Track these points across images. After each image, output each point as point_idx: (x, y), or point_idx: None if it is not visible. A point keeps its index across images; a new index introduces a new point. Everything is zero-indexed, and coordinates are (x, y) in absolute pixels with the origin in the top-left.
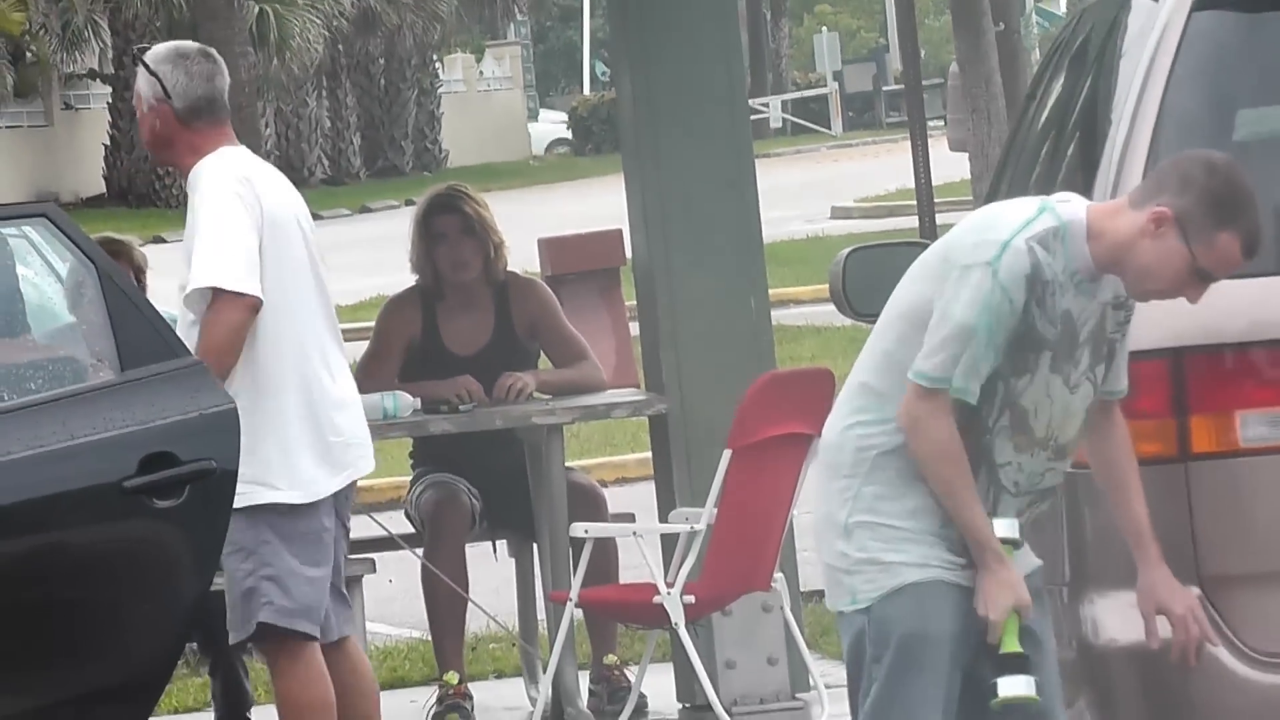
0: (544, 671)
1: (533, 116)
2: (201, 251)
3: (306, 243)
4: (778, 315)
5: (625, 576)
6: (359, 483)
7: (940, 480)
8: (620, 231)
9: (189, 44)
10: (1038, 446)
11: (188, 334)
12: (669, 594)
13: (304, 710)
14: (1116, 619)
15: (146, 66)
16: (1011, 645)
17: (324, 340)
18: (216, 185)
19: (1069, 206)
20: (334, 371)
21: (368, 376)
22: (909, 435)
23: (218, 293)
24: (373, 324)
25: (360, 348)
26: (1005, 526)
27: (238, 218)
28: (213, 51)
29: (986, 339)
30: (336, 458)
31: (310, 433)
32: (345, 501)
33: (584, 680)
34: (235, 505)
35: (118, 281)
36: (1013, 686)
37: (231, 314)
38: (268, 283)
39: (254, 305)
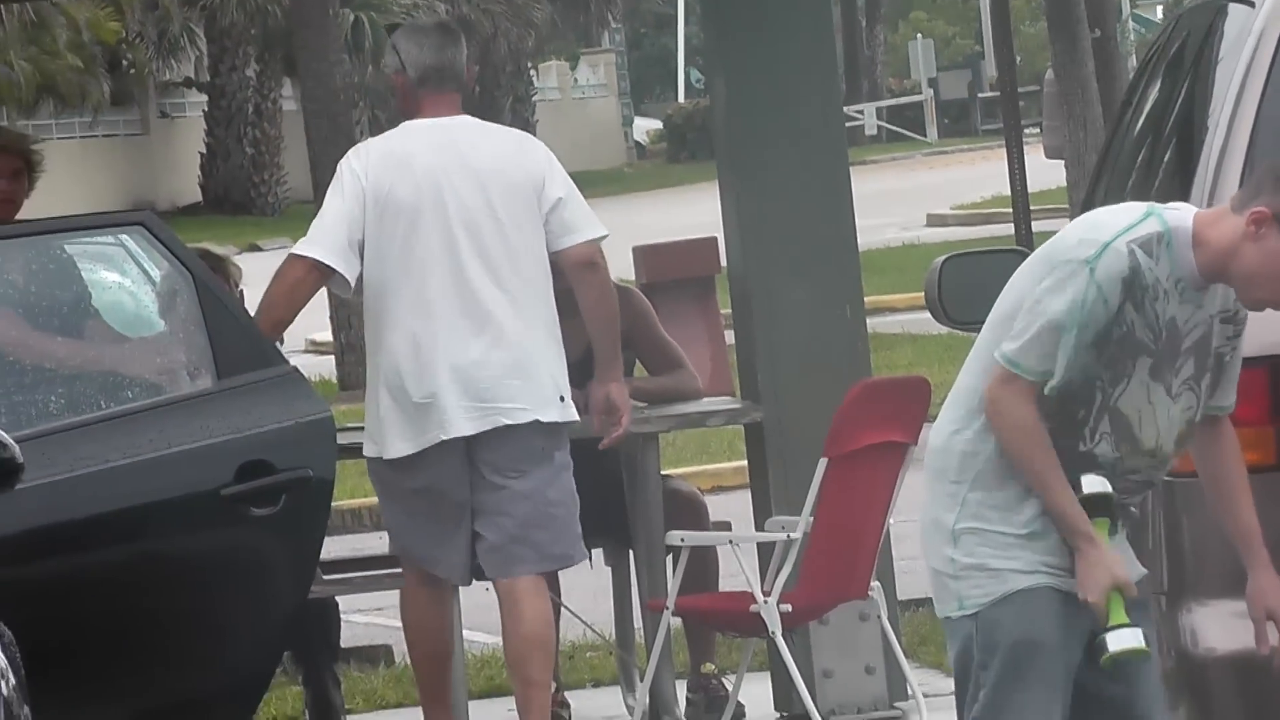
0: (641, 680)
1: (627, 124)
2: None
3: (447, 215)
4: (873, 323)
5: (723, 585)
6: None
7: (1024, 461)
8: (715, 239)
9: (427, 20)
10: (1142, 456)
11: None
12: (766, 602)
13: (404, 627)
14: (1216, 627)
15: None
16: (1119, 617)
17: (438, 309)
18: (345, 157)
19: (1176, 213)
20: (448, 338)
21: None
22: (990, 417)
23: (290, 254)
24: None
25: None
26: (1094, 482)
27: (333, 191)
28: (451, 24)
29: (1076, 335)
30: (418, 421)
31: (390, 397)
32: (489, 453)
33: (681, 689)
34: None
35: (214, 290)
36: (1122, 640)
37: (288, 270)
38: (366, 256)
39: (312, 267)
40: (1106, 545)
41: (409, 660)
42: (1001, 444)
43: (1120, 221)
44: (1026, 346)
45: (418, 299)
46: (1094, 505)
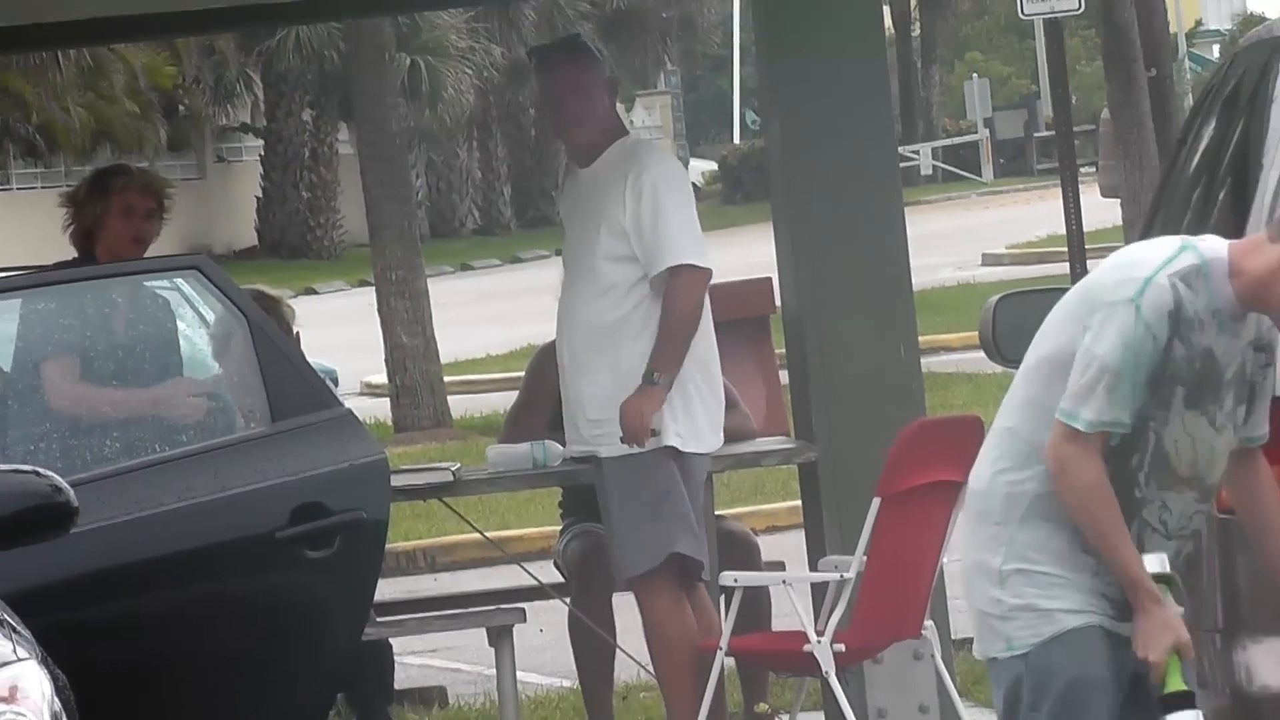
0: None
1: (683, 166)
2: (677, 229)
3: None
4: (928, 362)
5: (776, 624)
6: (513, 531)
7: (1090, 523)
8: (770, 279)
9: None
10: (1184, 485)
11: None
12: (819, 642)
13: (671, 641)
14: (1271, 664)
15: (595, 48)
16: (1176, 684)
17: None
18: (679, 168)
19: (1209, 245)
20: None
21: (518, 426)
22: (1056, 478)
23: (688, 268)
24: (523, 374)
25: (514, 398)
26: (1157, 561)
27: (687, 197)
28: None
29: (1131, 375)
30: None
31: (709, 389)
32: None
33: None
34: None
35: (269, 333)
36: None
37: (699, 286)
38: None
39: (709, 277)
40: (1168, 604)
41: (669, 680)
42: (1066, 503)
43: (1156, 256)
44: (1086, 399)
45: None
46: (1155, 579)
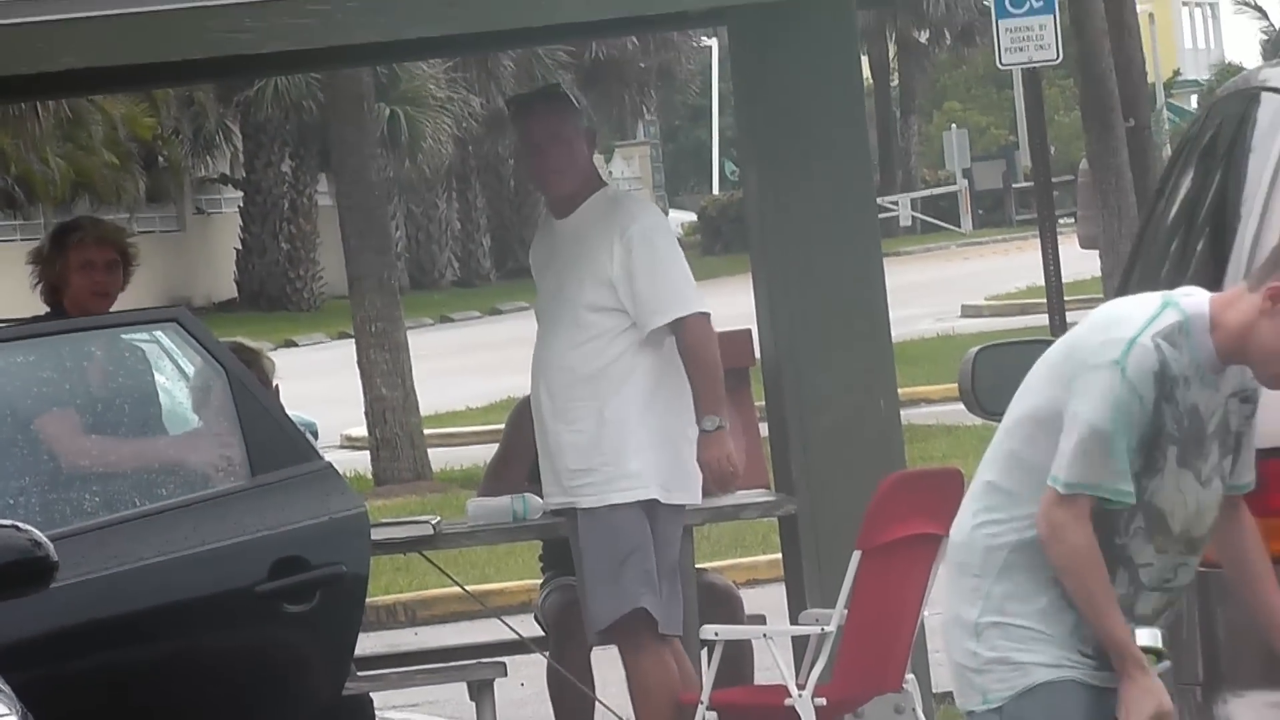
0: None
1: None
2: (680, 279)
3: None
4: (908, 414)
5: (757, 678)
6: (494, 585)
7: (1079, 588)
8: (749, 331)
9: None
10: (1173, 541)
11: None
12: (800, 696)
13: (652, 694)
14: (1251, 718)
15: (574, 97)
16: None
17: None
18: (664, 218)
19: (1192, 300)
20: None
21: (498, 479)
22: (1047, 543)
23: (697, 316)
24: (502, 426)
25: (494, 450)
26: (1148, 636)
27: (677, 249)
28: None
29: (1123, 440)
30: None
31: (690, 444)
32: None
33: None
34: None
35: (248, 386)
36: None
37: (710, 329)
38: None
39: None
40: (1154, 672)
41: None
42: (1055, 565)
43: (1139, 316)
44: (1075, 464)
45: None
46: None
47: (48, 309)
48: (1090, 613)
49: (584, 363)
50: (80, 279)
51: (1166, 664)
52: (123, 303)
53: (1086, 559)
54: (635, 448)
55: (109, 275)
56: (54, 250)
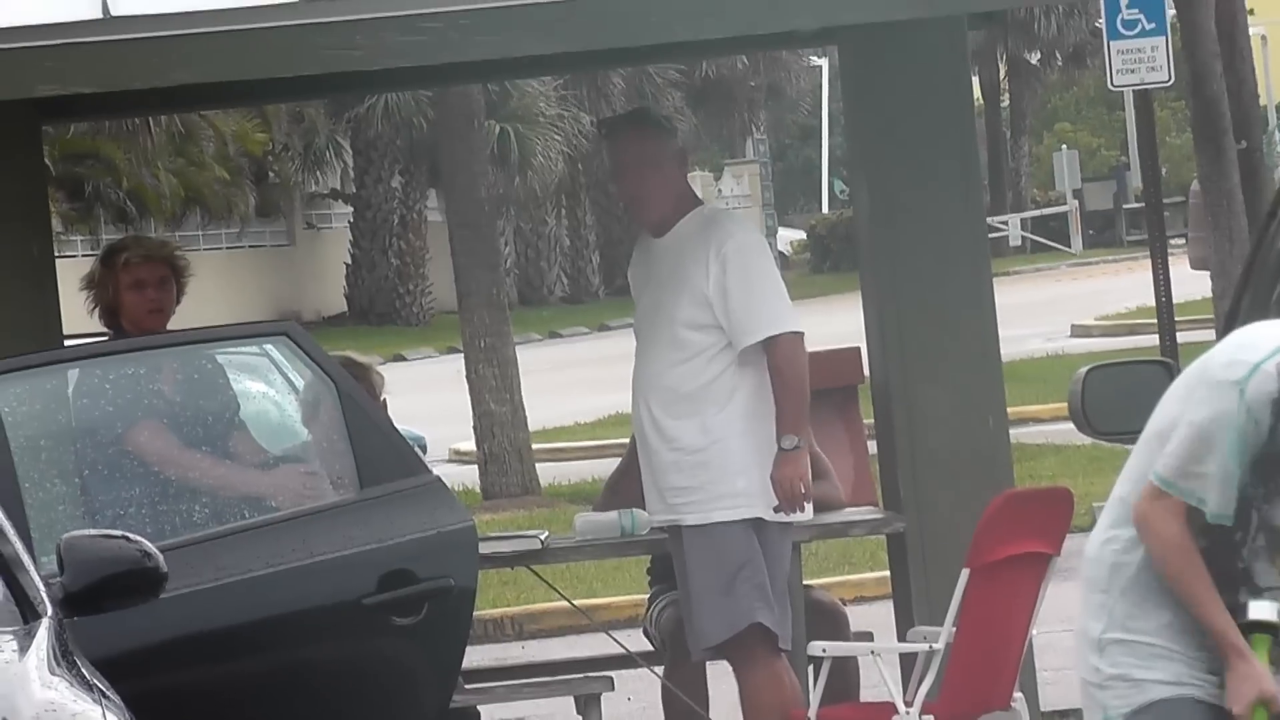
0: None
1: (771, 234)
2: (774, 297)
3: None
4: (1017, 433)
5: (864, 695)
6: (601, 600)
7: (1173, 575)
8: (859, 349)
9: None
10: None
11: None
12: (907, 713)
13: (772, 710)
14: None
15: (662, 120)
16: None
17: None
18: (759, 235)
19: None
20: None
21: (614, 493)
22: (1139, 533)
23: (790, 335)
24: (613, 441)
25: (602, 465)
26: (1263, 609)
27: (771, 264)
28: None
29: (1234, 458)
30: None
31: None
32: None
33: None
34: None
35: (357, 399)
36: None
37: (802, 349)
38: None
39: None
40: (1260, 660)
41: None
42: (1151, 559)
43: (1270, 342)
44: (1176, 463)
45: None
46: (1258, 626)
47: (110, 332)
48: (1186, 598)
49: (685, 381)
50: (133, 298)
51: None
52: (233, 317)
53: (1178, 548)
54: (740, 466)
55: (161, 292)
56: (105, 273)
